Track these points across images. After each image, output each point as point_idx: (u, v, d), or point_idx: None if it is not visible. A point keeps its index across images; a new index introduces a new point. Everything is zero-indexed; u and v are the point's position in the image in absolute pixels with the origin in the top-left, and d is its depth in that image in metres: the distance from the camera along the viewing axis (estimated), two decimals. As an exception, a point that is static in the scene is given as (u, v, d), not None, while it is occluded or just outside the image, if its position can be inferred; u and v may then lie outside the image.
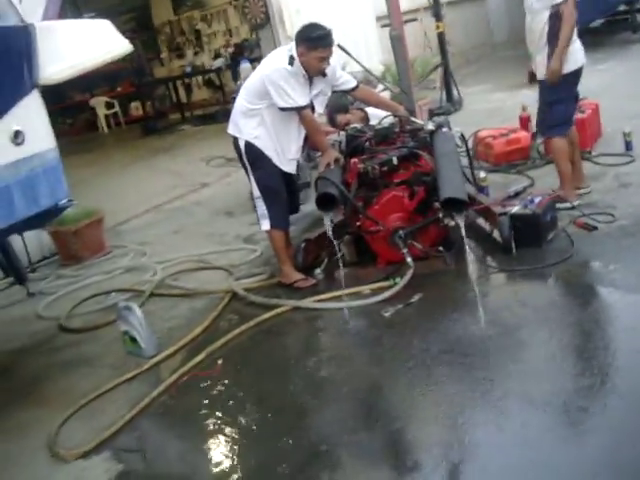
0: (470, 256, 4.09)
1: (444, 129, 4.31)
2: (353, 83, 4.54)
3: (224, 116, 6.23)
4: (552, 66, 4.48)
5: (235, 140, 4.41)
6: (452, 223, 4.14)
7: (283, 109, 4.19)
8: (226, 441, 3.11)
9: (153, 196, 7.61)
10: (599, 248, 4.11)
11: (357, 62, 5.56)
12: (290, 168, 4.43)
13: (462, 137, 4.78)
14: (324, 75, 4.31)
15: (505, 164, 6.05)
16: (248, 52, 10.80)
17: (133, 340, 4.04)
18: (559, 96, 4.62)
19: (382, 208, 4.18)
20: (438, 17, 8.80)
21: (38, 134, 3.24)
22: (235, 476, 2.84)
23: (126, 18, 13.47)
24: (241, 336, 3.98)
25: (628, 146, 5.78)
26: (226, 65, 11.27)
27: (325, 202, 4.00)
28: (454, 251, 4.22)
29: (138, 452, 3.22)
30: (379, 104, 4.73)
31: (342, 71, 4.56)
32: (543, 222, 4.29)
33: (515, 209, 4.33)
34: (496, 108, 8.54)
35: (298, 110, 4.19)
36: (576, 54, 4.61)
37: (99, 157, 11.52)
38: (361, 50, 9.79)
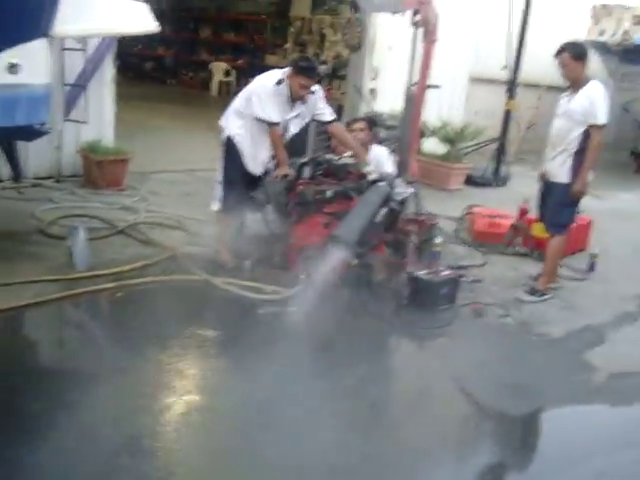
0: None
1: (381, 183, 4.89)
2: (330, 117, 5.21)
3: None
4: (578, 187, 5.04)
5: (221, 131, 5.17)
6: (355, 261, 4.77)
7: (258, 118, 4.91)
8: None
9: (195, 161, 8.48)
10: (467, 328, 4.62)
11: (367, 104, 6.16)
12: (255, 170, 5.12)
13: (415, 195, 5.39)
14: (304, 102, 5.00)
15: (480, 242, 6.53)
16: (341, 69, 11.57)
17: (71, 254, 4.89)
18: (570, 202, 5.18)
19: (303, 227, 4.82)
20: (511, 95, 9.20)
21: (33, 70, 4.11)
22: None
23: (269, 2, 14.55)
24: (150, 284, 4.76)
25: (591, 267, 6.14)
26: (325, 73, 12.10)
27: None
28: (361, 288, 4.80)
29: None
30: (346, 144, 5.34)
31: (325, 105, 5.21)
32: (437, 292, 4.81)
33: (419, 273, 4.88)
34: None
35: (269, 124, 4.90)
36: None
37: (185, 113, 12.60)
38: (444, 100, 10.36)
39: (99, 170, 6.81)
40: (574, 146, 5.04)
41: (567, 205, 5.18)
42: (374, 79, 9.59)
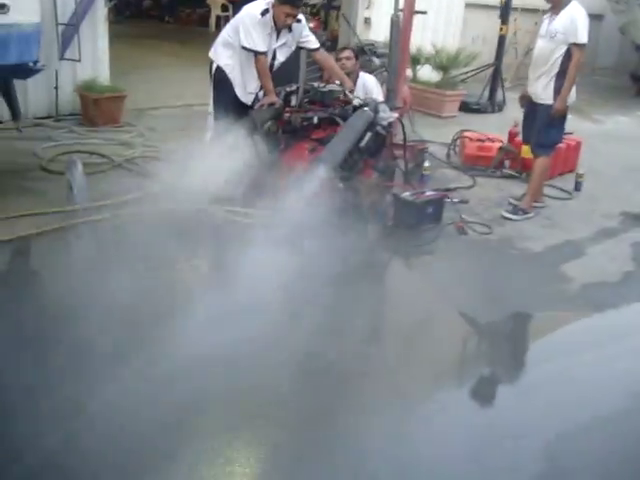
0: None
1: (365, 109, 5.02)
2: (315, 45, 5.34)
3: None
4: (558, 106, 5.15)
5: (211, 63, 5.30)
6: (340, 185, 4.95)
7: (244, 48, 5.03)
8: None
9: (192, 96, 8.58)
10: (451, 245, 4.82)
11: (355, 34, 6.24)
12: (246, 99, 5.27)
13: (399, 121, 5.53)
14: (290, 30, 5.10)
15: (470, 165, 6.68)
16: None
17: (70, 188, 5.10)
18: (556, 122, 5.28)
19: (291, 153, 4.99)
20: (503, 20, 9.18)
21: (22, 10, 4.25)
22: None
23: None
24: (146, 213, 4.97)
25: (576, 186, 6.30)
26: (321, 5, 12.09)
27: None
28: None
29: None
30: (331, 71, 5.46)
31: (310, 33, 5.32)
32: (420, 211, 5.00)
33: (404, 194, 5.07)
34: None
35: (255, 53, 5.02)
36: (573, 92, 5.25)
37: (182, 49, 12.56)
38: (440, 27, 10.35)
39: (96, 108, 6.96)
40: (557, 66, 5.14)
41: (553, 125, 5.29)
42: (368, 8, 9.58)
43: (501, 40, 9.31)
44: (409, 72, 9.19)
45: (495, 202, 5.79)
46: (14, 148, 6.20)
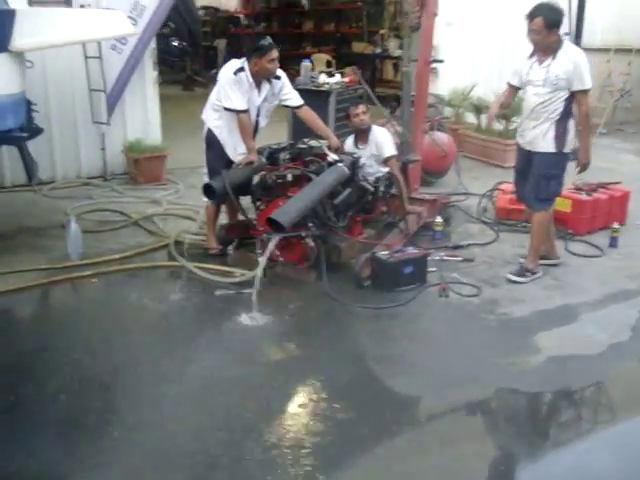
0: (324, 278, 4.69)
1: (340, 164, 4.85)
2: (298, 102, 5.25)
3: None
4: (583, 160, 4.85)
5: (203, 124, 5.38)
6: (311, 243, 4.79)
7: (225, 109, 5.06)
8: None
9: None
10: (421, 309, 4.48)
11: (366, 88, 6.10)
12: (237, 159, 5.27)
13: (392, 175, 5.33)
14: (270, 82, 5.08)
15: (502, 219, 6.23)
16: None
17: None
18: (557, 172, 4.88)
19: (266, 212, 4.90)
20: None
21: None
22: None
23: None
24: (128, 271, 5.07)
25: (611, 242, 5.70)
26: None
27: (208, 191, 4.87)
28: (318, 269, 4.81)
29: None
30: (316, 128, 5.33)
31: (292, 90, 5.25)
32: (396, 271, 4.71)
33: (380, 253, 4.80)
34: (607, 168, 8.29)
35: (236, 112, 5.02)
36: (571, 139, 4.86)
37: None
38: (494, 68, 9.86)
39: (137, 167, 7.27)
40: (558, 113, 4.71)
41: (552, 176, 4.84)
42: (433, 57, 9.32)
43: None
44: (474, 121, 8.88)
45: (505, 260, 5.33)
46: (51, 206, 6.59)
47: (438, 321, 4.35)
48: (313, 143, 5.15)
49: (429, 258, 5.13)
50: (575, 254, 5.49)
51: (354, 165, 4.99)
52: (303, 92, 7.26)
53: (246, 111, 5.03)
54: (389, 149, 5.81)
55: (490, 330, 4.23)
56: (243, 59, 5.06)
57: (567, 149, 4.79)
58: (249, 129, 5.08)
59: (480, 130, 8.64)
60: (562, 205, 5.95)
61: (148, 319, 4.43)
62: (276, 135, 7.13)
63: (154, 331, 4.29)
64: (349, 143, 6.08)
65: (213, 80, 5.81)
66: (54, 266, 5.10)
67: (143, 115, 7.64)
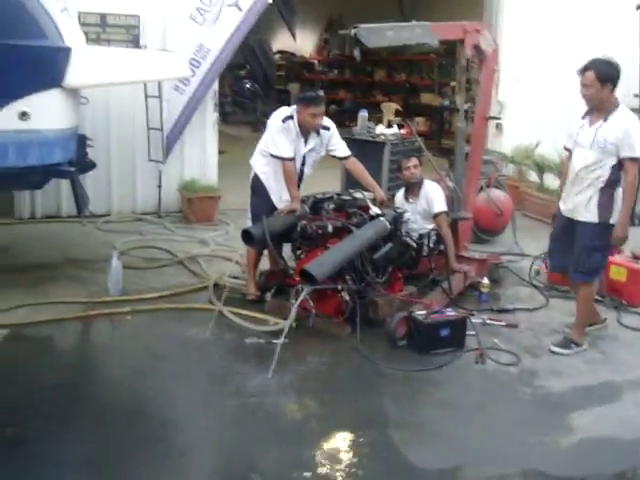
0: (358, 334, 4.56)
1: (382, 219, 4.75)
2: (345, 153, 5.20)
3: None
4: (619, 234, 4.49)
5: (251, 170, 5.37)
6: (347, 297, 4.68)
7: (272, 155, 5.05)
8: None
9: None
10: (453, 375, 4.27)
11: (419, 141, 6.00)
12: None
13: (429, 235, 5.20)
14: (318, 133, 5.04)
15: (553, 284, 5.97)
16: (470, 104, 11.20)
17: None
18: (601, 244, 4.61)
19: (303, 262, 4.82)
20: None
21: (44, 117, 4.64)
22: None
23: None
24: (162, 311, 5.06)
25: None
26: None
27: (246, 237, 4.83)
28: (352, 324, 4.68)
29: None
30: (362, 180, 5.25)
31: (340, 141, 5.20)
32: (431, 333, 4.54)
33: (417, 312, 4.64)
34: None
35: (282, 159, 5.00)
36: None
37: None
38: (561, 126, 9.58)
39: (190, 206, 7.35)
40: (603, 180, 4.47)
41: (597, 249, 4.56)
42: (500, 113, 9.19)
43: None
44: (537, 179, 8.64)
45: (552, 329, 5.06)
46: (101, 240, 6.71)
47: (470, 389, 4.13)
48: (357, 195, 5.06)
49: (471, 321, 4.97)
50: (627, 327, 5.19)
51: (396, 220, 4.88)
52: (359, 142, 7.32)
53: (292, 159, 5.01)
54: (439, 205, 5.68)
55: (523, 404, 3.99)
56: (293, 107, 5.06)
57: (613, 220, 4.50)
58: (294, 177, 5.05)
59: (542, 189, 8.39)
60: (617, 274, 5.69)
61: (172, 361, 4.36)
62: (329, 183, 7.12)
63: (174, 374, 4.21)
64: (399, 196, 5.99)
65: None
66: (91, 300, 5.15)
67: (201, 155, 7.77)
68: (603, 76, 4.38)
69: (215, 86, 7.67)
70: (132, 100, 7.10)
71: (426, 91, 14.58)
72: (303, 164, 5.16)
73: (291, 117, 4.98)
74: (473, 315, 5.15)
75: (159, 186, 7.49)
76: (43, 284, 5.43)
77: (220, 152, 8.66)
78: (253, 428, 3.60)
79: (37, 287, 5.35)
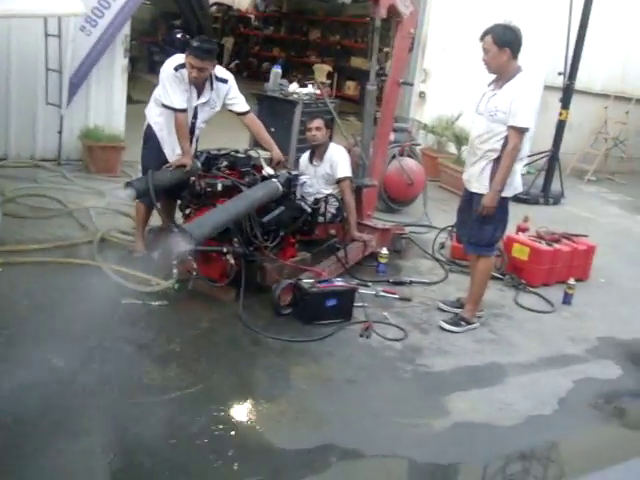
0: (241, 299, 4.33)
1: (274, 180, 4.49)
2: (243, 108, 4.90)
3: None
4: (487, 202, 4.31)
5: (145, 119, 5.02)
6: (232, 260, 4.43)
7: (163, 106, 4.70)
8: None
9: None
10: (330, 348, 4.09)
11: (328, 104, 5.77)
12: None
13: (326, 200, 5.00)
14: (212, 88, 4.72)
15: (456, 259, 5.86)
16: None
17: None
18: (493, 217, 4.42)
19: (191, 219, 4.54)
20: (564, 104, 8.22)
21: None
22: None
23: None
24: (38, 264, 4.71)
25: (565, 299, 5.32)
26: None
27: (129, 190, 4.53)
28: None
29: None
30: (259, 137, 5.00)
31: (238, 94, 4.89)
32: (316, 303, 4.34)
33: (303, 280, 4.43)
34: (585, 218, 7.97)
35: (173, 110, 4.67)
36: (515, 182, 4.44)
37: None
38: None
39: (90, 155, 6.93)
40: (495, 151, 4.30)
41: (488, 222, 4.41)
42: (424, 82, 9.03)
43: (560, 126, 8.32)
44: (455, 151, 8.52)
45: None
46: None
47: (348, 364, 3.95)
48: (252, 153, 4.78)
49: (363, 292, 4.80)
50: (523, 307, 5.13)
51: (290, 182, 4.63)
52: (270, 99, 7.02)
53: (184, 110, 4.68)
54: (343, 170, 5.47)
55: (401, 382, 3.84)
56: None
57: (508, 193, 4.37)
58: (185, 130, 4.72)
59: (459, 162, 8.26)
60: (519, 252, 5.62)
61: (25, 314, 4.01)
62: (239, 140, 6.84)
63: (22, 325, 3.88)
64: (304, 158, 5.77)
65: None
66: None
67: (108, 102, 7.30)
68: (501, 40, 4.22)
69: (126, 30, 7.18)
70: (35, 38, 6.59)
71: (359, 55, 14.27)
72: (195, 117, 4.83)
73: (184, 65, 4.64)
74: (368, 286, 5.01)
75: (59, 132, 7.01)
76: None
77: (136, 101, 8.24)
78: (108, 395, 3.33)
79: None
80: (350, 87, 14.23)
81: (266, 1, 17.70)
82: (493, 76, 4.39)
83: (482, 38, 4.27)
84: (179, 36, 15.79)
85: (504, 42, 4.20)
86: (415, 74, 8.99)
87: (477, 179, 4.39)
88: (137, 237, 5.06)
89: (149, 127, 4.91)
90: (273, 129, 6.69)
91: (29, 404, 3.12)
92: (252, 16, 18.16)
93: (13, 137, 7.03)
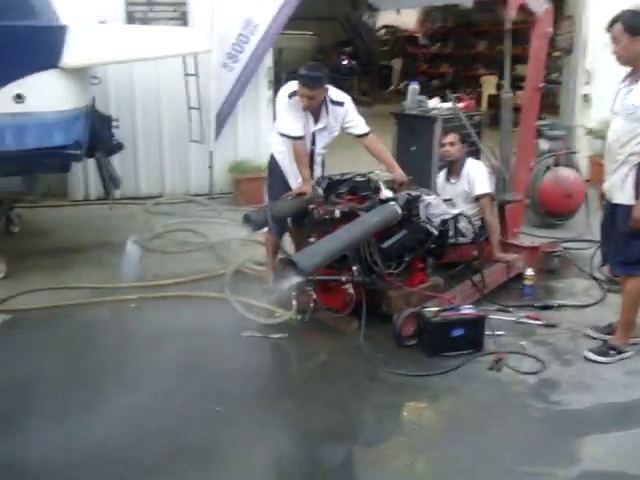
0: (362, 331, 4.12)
1: (392, 203, 4.23)
2: (362, 130, 4.69)
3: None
4: (636, 214, 3.77)
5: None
6: (351, 290, 4.23)
7: (281, 134, 4.65)
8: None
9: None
10: (454, 383, 3.73)
11: (461, 117, 5.39)
12: (298, 187, 4.86)
13: (456, 220, 4.63)
14: (327, 113, 4.58)
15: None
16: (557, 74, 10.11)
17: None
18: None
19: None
20: None
21: (40, 99, 4.49)
22: None
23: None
24: (170, 299, 4.83)
25: None
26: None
27: (247, 222, 4.49)
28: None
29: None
30: (380, 159, 4.74)
31: (357, 117, 4.69)
32: (440, 333, 4.01)
33: (427, 308, 4.12)
34: None
35: (291, 139, 4.60)
36: None
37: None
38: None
39: (238, 188, 7.09)
40: (638, 154, 3.73)
41: (636, 236, 3.81)
42: (588, 84, 8.28)
43: None
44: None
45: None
46: (143, 222, 6.56)
47: (470, 402, 3.57)
48: (372, 176, 4.56)
49: (502, 318, 4.40)
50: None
51: (410, 204, 4.34)
52: (408, 118, 6.76)
53: (301, 138, 4.58)
54: (481, 186, 5.09)
55: (529, 422, 3.39)
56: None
57: None
58: (304, 157, 4.62)
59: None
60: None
61: (152, 353, 4.08)
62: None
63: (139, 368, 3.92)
64: (441, 177, 5.46)
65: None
66: (101, 286, 4.99)
67: (255, 135, 7.46)
68: (633, 27, 3.68)
69: (268, 62, 7.34)
70: (178, 78, 6.89)
71: (525, 62, 13.48)
72: (314, 144, 4.71)
73: (296, 92, 4.55)
74: (509, 312, 4.58)
75: (210, 167, 7.28)
76: (66, 268, 5.35)
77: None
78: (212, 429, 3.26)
79: (58, 271, 5.28)
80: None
81: (432, 18, 17.42)
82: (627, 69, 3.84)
83: (610, 27, 3.75)
84: (345, 62, 16.03)
85: (636, 29, 3.66)
86: (577, 76, 8.30)
87: (620, 188, 3.83)
88: (268, 268, 5.02)
89: (272, 157, 4.87)
90: (413, 148, 6.49)
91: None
92: (419, 35, 17.94)
93: (167, 175, 7.41)
